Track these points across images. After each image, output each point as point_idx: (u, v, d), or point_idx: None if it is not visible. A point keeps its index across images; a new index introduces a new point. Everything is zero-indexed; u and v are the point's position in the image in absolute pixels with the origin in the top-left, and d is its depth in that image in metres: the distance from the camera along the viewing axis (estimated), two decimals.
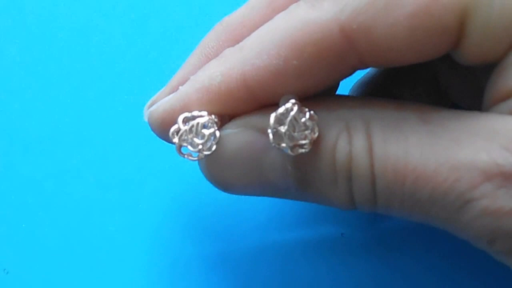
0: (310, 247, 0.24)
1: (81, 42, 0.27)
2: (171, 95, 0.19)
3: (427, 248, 0.24)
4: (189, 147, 0.18)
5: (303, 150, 0.17)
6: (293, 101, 0.17)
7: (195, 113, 0.18)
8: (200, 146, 0.18)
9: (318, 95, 0.18)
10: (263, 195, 0.20)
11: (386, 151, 0.17)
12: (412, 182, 0.17)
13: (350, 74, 0.18)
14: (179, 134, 0.18)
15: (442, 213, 0.17)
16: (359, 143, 0.17)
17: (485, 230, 0.16)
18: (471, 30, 0.16)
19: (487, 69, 0.18)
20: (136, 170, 0.25)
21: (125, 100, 0.26)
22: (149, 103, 0.21)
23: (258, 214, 0.25)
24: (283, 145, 0.17)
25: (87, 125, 0.26)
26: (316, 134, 0.17)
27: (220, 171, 0.19)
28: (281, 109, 0.17)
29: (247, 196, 0.25)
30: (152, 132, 0.26)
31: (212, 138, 0.18)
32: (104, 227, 0.25)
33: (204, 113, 0.18)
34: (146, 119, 0.20)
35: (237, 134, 0.18)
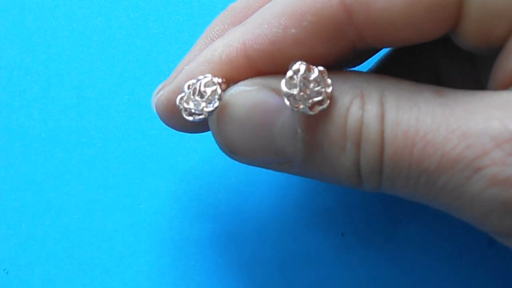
0: (310, 247, 0.24)
1: (81, 42, 0.27)
2: (171, 78, 0.20)
3: (427, 249, 0.24)
4: (193, 108, 0.18)
5: (322, 107, 0.17)
6: (299, 62, 0.17)
7: (200, 77, 0.18)
8: (203, 104, 0.18)
9: (332, 69, 0.18)
10: (268, 167, 0.19)
11: (398, 118, 0.17)
12: (421, 149, 0.16)
13: (351, 53, 0.18)
14: (184, 96, 0.18)
15: (449, 185, 0.16)
16: (371, 109, 0.17)
17: (493, 202, 0.16)
18: (470, 7, 0.16)
19: (488, 60, 0.17)
20: (136, 170, 0.25)
21: (125, 100, 0.26)
22: (156, 90, 0.21)
23: (258, 214, 0.25)
24: (302, 106, 0.17)
25: (87, 125, 0.26)
26: (330, 88, 0.17)
27: (230, 131, 0.19)
28: (289, 73, 0.17)
29: (247, 196, 0.25)
30: (152, 132, 0.26)
31: (216, 96, 0.18)
32: (104, 227, 0.25)
33: (208, 75, 0.18)
34: (153, 107, 0.20)
35: (251, 92, 0.18)
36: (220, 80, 0.18)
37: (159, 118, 0.20)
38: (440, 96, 0.17)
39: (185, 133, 0.24)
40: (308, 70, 0.17)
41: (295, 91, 0.17)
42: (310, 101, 0.17)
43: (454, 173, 0.16)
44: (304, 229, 0.25)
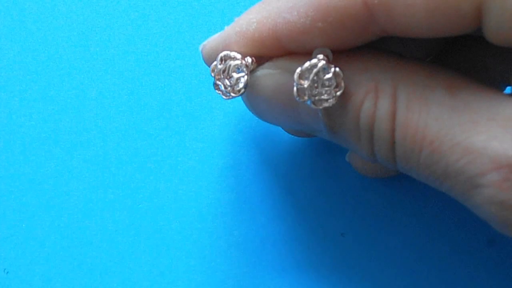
0: (310, 247, 0.24)
1: (81, 41, 0.27)
2: (217, 34, 0.22)
3: (428, 249, 0.24)
4: (223, 90, 0.20)
5: (326, 105, 0.18)
6: (320, 56, 0.18)
7: (232, 54, 0.20)
8: (230, 88, 0.20)
9: (354, 49, 0.19)
10: (297, 129, 0.22)
11: (408, 119, 0.17)
12: (427, 155, 0.17)
13: (377, 38, 0.19)
14: (215, 72, 0.20)
15: (455, 188, 0.17)
16: (383, 107, 0.18)
17: (493, 216, 0.16)
18: (489, 16, 0.16)
19: None
20: (136, 170, 0.25)
21: (125, 100, 0.26)
22: (205, 41, 0.23)
23: (258, 214, 0.25)
24: (306, 98, 0.18)
25: (87, 125, 0.26)
26: (341, 91, 0.18)
27: (258, 106, 0.21)
28: (306, 64, 0.18)
29: (247, 196, 0.25)
30: (152, 132, 0.26)
31: (241, 81, 0.20)
32: (104, 227, 0.24)
33: (238, 56, 0.20)
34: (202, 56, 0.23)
35: (275, 75, 0.20)
36: (250, 60, 0.20)
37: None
38: (451, 95, 0.17)
39: (185, 133, 0.25)
40: (324, 68, 0.18)
41: (305, 84, 0.18)
42: (317, 97, 0.18)
43: (457, 183, 0.17)
44: (304, 229, 0.25)
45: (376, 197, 0.25)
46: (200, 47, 0.23)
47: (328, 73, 0.18)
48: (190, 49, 0.27)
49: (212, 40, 0.22)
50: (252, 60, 0.20)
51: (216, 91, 0.21)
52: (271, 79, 0.20)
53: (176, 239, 0.24)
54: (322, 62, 0.18)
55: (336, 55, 0.19)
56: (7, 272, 0.24)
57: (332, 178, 0.25)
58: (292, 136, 0.25)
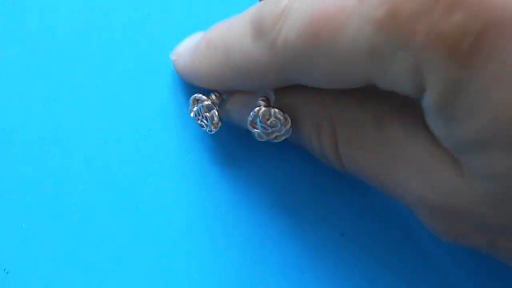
0: (310, 247, 0.24)
1: (81, 42, 0.27)
2: (188, 44, 0.25)
3: (428, 249, 0.24)
4: (204, 125, 0.24)
5: (284, 137, 0.22)
6: (261, 102, 0.21)
7: (198, 96, 0.23)
8: (210, 124, 0.23)
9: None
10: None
11: (350, 154, 0.20)
12: (369, 181, 0.21)
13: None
14: (194, 115, 0.24)
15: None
16: (327, 142, 0.20)
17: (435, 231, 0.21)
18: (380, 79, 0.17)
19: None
20: (136, 170, 0.25)
21: (125, 100, 0.26)
22: (177, 49, 0.25)
23: (258, 214, 0.25)
24: (265, 138, 0.22)
25: (87, 125, 0.26)
26: (289, 125, 0.21)
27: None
28: (251, 114, 0.21)
29: (247, 196, 0.25)
30: (152, 132, 0.26)
31: (215, 116, 0.23)
32: (104, 227, 0.25)
33: (204, 97, 0.23)
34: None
35: (240, 110, 0.23)
36: (214, 97, 0.23)
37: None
38: (379, 130, 0.19)
39: (184, 133, 0.25)
40: (265, 113, 0.21)
41: (258, 130, 0.22)
42: (273, 135, 0.22)
43: (400, 201, 0.21)
44: (304, 229, 0.25)
45: (376, 197, 0.25)
46: (172, 56, 0.25)
47: (270, 116, 0.21)
48: None
49: (184, 52, 0.24)
50: (216, 96, 0.23)
51: (202, 129, 0.24)
52: (237, 114, 0.23)
53: (176, 239, 0.24)
54: (262, 109, 0.21)
55: (280, 93, 0.21)
56: (7, 272, 0.24)
57: (332, 178, 0.25)
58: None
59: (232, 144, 0.25)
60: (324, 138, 0.20)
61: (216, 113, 0.23)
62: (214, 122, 0.23)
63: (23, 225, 0.25)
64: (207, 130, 0.24)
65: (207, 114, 0.23)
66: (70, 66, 0.26)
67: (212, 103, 0.23)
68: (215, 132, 0.23)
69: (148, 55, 0.27)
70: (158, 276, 0.24)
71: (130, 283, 0.24)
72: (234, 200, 0.25)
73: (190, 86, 0.26)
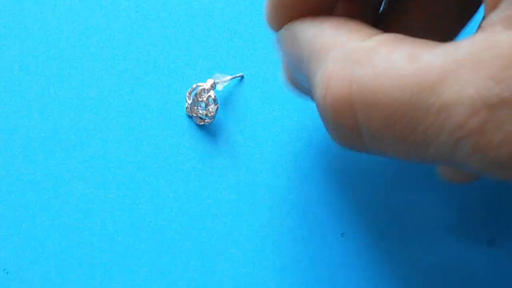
0: (310, 248, 0.24)
1: (81, 42, 0.27)
2: None
3: (427, 249, 0.24)
4: (199, 117, 0.25)
5: (205, 121, 0.25)
6: (208, 82, 0.25)
7: (194, 85, 0.25)
8: (205, 112, 0.25)
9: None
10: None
11: (369, 104, 0.17)
12: (402, 128, 0.16)
13: None
14: (190, 109, 0.25)
15: (439, 153, 0.16)
16: (342, 96, 0.17)
17: (481, 166, 0.16)
18: None
19: None
20: (136, 170, 0.25)
21: (125, 100, 0.26)
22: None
23: (258, 215, 0.25)
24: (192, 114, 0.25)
25: (87, 125, 0.26)
26: (211, 114, 0.25)
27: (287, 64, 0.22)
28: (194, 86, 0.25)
29: (247, 196, 0.25)
30: (152, 132, 0.26)
31: (207, 96, 0.25)
32: (104, 227, 0.25)
33: (201, 83, 0.25)
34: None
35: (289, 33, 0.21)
36: (210, 84, 0.25)
37: None
38: (412, 63, 0.17)
39: (184, 133, 0.25)
40: (201, 92, 0.25)
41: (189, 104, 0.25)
42: (196, 114, 0.25)
43: (440, 145, 0.16)
44: (304, 229, 0.25)
45: (376, 197, 0.25)
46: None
47: (204, 96, 0.25)
48: (191, 49, 0.27)
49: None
50: (211, 84, 0.25)
51: (200, 123, 0.25)
52: (287, 36, 0.21)
53: (176, 239, 0.24)
54: (204, 87, 0.25)
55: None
56: (7, 272, 0.24)
57: (332, 178, 0.25)
58: (292, 136, 0.25)
59: (232, 144, 0.25)
60: (341, 93, 0.18)
61: (208, 92, 0.25)
62: (209, 106, 0.25)
63: (23, 225, 0.25)
64: (205, 121, 0.25)
65: (203, 98, 0.25)
66: (70, 66, 0.26)
67: (204, 89, 0.25)
68: (215, 132, 0.23)
69: (148, 55, 0.27)
70: (158, 276, 0.24)
71: (130, 283, 0.24)
72: (234, 200, 0.25)
73: (189, 86, 0.26)
